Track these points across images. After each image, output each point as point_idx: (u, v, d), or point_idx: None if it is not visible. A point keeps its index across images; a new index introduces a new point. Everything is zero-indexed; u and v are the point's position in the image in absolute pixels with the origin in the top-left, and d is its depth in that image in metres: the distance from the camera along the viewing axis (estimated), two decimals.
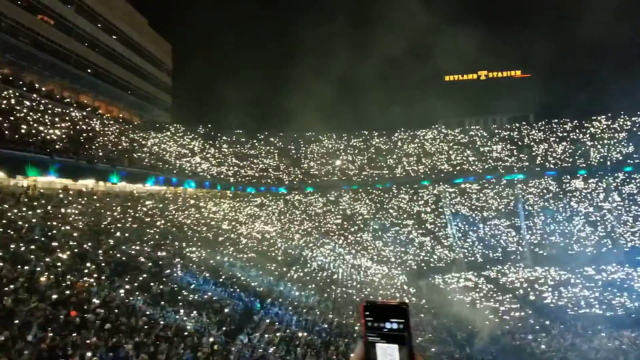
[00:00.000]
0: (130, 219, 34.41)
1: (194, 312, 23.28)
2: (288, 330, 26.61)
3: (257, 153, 77.91)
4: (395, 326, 1.58)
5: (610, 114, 79.25)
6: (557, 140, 79.25)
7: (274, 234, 55.12)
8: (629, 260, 54.47)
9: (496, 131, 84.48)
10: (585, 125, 79.96)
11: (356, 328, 31.34)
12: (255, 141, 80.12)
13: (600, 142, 76.33)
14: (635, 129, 76.05)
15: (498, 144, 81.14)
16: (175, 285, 25.81)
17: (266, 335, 24.63)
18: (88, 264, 21.83)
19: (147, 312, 20.36)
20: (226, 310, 25.60)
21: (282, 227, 59.83)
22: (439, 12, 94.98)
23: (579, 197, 68.86)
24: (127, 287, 21.94)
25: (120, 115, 58.55)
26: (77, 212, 29.32)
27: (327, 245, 58.20)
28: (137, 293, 21.99)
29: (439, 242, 63.81)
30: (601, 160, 73.24)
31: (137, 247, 28.73)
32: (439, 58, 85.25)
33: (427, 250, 62.13)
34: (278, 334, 25.17)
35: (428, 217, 68.53)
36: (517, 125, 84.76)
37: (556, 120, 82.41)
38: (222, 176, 65.07)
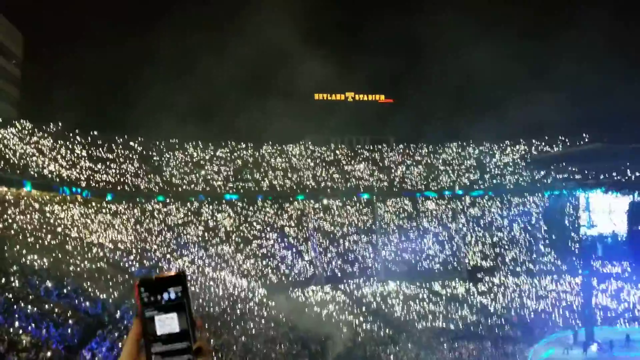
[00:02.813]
0: None
1: (32, 324, 21.09)
2: None
3: (115, 157, 73.05)
4: (173, 295, 1.57)
5: (460, 142, 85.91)
6: (414, 163, 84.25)
7: (129, 243, 52.20)
8: (470, 277, 59.61)
9: (360, 151, 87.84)
10: (439, 151, 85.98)
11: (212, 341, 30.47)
12: (113, 145, 75.00)
13: (451, 167, 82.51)
14: (482, 157, 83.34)
15: (361, 163, 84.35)
16: (11, 295, 23.24)
17: (114, 351, 22.97)
18: None
19: None
20: (70, 322, 23.52)
21: (138, 237, 56.81)
22: (310, 32, 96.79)
23: (430, 217, 73.66)
24: None
25: None
26: None
27: (186, 257, 56.34)
28: None
29: (301, 256, 64.59)
30: (451, 184, 79.13)
31: None
32: (309, 76, 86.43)
33: (287, 264, 62.61)
34: None
35: (291, 231, 69.09)
36: (379, 147, 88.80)
37: (414, 145, 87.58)
38: (73, 179, 60.22)
